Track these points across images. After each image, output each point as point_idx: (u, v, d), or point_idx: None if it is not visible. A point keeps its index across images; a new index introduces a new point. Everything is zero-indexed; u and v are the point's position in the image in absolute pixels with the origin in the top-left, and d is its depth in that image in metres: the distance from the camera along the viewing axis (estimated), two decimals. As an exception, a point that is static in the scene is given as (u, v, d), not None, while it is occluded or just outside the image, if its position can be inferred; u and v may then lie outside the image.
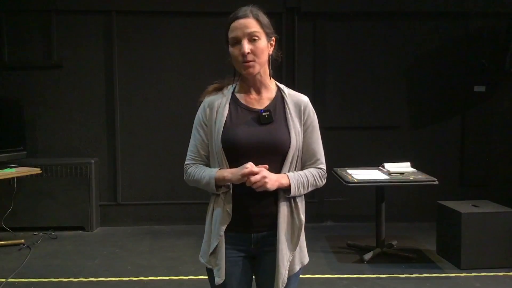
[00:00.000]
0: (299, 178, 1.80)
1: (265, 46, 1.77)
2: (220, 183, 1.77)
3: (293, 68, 5.48)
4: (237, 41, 1.74)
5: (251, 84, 1.83)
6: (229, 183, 1.76)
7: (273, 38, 1.82)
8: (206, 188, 1.81)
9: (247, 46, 1.73)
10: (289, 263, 1.80)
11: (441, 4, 5.45)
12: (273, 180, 1.72)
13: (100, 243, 4.86)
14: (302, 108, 1.85)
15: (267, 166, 1.72)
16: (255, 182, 1.68)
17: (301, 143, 1.83)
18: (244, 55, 1.73)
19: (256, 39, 1.74)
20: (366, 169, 4.53)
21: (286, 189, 1.78)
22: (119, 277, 3.92)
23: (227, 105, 1.81)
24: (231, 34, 1.75)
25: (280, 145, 1.77)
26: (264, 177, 1.69)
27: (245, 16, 1.75)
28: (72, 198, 5.21)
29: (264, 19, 1.78)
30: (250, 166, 1.69)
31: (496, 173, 5.60)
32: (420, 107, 5.59)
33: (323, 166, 1.89)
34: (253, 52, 1.74)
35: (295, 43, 5.46)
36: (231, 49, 1.77)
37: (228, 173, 1.74)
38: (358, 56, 5.53)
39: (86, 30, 5.40)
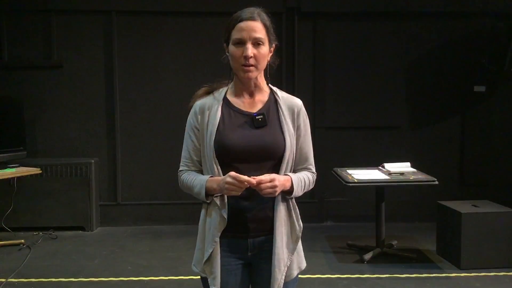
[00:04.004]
0: (299, 181, 1.79)
1: (267, 52, 1.75)
2: (210, 193, 1.74)
3: (293, 68, 5.48)
4: (241, 42, 1.71)
5: (245, 87, 1.80)
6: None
7: (274, 44, 1.80)
8: (197, 197, 1.78)
9: (251, 50, 1.70)
10: (286, 268, 1.77)
11: (441, 4, 5.45)
12: (281, 186, 1.69)
13: (100, 243, 4.86)
14: (295, 111, 1.82)
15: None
16: (265, 189, 1.66)
17: (294, 146, 1.80)
18: (246, 58, 1.70)
19: (260, 44, 1.72)
20: (366, 169, 4.53)
21: (287, 191, 1.76)
22: (119, 277, 3.92)
23: (220, 109, 1.77)
24: (236, 35, 1.72)
25: (275, 148, 1.74)
26: (275, 186, 1.66)
27: (252, 19, 1.72)
28: (72, 198, 5.20)
29: (270, 24, 1.77)
30: (231, 178, 1.65)
31: (496, 173, 5.60)
32: (420, 107, 5.59)
33: (314, 170, 1.90)
34: (255, 57, 1.71)
35: (295, 43, 5.46)
36: (233, 48, 1.73)
37: (216, 185, 1.71)
38: (358, 56, 5.53)
39: (86, 30, 5.40)
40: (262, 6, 1.81)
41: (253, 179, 1.64)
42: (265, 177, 1.66)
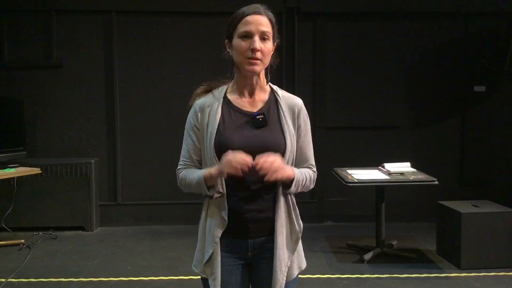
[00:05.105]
0: (301, 174, 1.77)
1: (271, 48, 1.75)
2: (209, 182, 1.71)
3: (293, 68, 5.48)
4: (249, 36, 1.69)
5: (247, 84, 1.78)
6: (220, 189, 1.71)
7: (276, 43, 1.79)
8: (197, 190, 1.75)
9: (258, 43, 1.69)
10: (287, 269, 1.76)
11: (441, 4, 5.45)
12: (283, 167, 1.65)
13: (100, 243, 4.86)
14: (296, 111, 1.81)
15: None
16: (265, 168, 1.60)
17: (295, 146, 1.79)
18: (254, 50, 1.68)
19: (266, 38, 1.71)
20: (366, 169, 4.53)
21: (286, 184, 1.73)
22: (119, 277, 3.92)
23: (220, 108, 1.75)
24: (243, 27, 1.70)
25: (275, 149, 1.72)
26: (276, 161, 1.61)
27: (259, 13, 1.71)
28: (72, 198, 5.20)
29: (274, 21, 1.76)
30: (231, 154, 1.62)
31: (496, 173, 5.60)
32: (420, 107, 5.59)
33: (315, 170, 1.88)
34: (261, 51, 1.70)
35: (295, 43, 5.46)
36: (239, 41, 1.70)
37: (215, 169, 1.68)
38: (358, 56, 5.53)
39: (86, 30, 5.40)
40: (259, 4, 1.79)
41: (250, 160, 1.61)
42: (264, 156, 1.63)
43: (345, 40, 5.54)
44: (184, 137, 1.84)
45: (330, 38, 5.52)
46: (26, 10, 5.35)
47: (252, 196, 1.72)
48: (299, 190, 1.79)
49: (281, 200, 1.76)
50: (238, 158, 1.61)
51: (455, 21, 5.52)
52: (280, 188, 1.75)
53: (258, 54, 1.69)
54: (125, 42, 5.42)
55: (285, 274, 1.76)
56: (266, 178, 1.63)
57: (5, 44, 5.32)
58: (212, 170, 1.69)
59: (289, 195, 1.80)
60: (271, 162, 1.62)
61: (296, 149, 1.81)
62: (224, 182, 1.72)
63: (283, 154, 1.73)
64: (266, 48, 1.71)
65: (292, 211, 1.80)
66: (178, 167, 1.85)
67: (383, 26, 5.52)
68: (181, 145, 1.86)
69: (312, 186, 1.87)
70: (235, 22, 1.73)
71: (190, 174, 1.78)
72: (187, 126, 1.83)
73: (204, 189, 1.73)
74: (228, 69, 1.85)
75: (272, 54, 1.79)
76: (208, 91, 1.84)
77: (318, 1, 5.44)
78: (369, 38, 5.53)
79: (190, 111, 1.83)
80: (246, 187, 1.72)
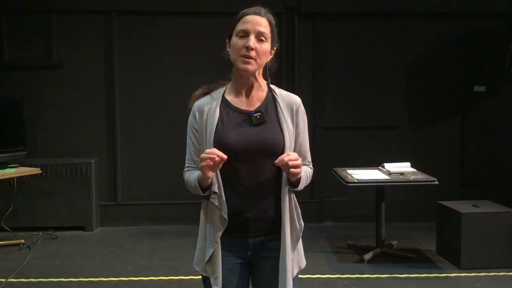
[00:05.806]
0: (304, 173, 1.79)
1: (268, 50, 1.75)
2: (202, 183, 1.72)
3: (293, 68, 5.48)
4: (245, 34, 1.71)
5: (244, 84, 1.79)
6: (216, 189, 1.72)
7: (275, 48, 1.80)
8: (197, 192, 1.77)
9: (253, 42, 1.70)
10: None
11: (441, 4, 5.45)
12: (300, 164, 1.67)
13: (100, 243, 4.86)
14: (294, 109, 1.82)
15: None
16: (291, 162, 1.63)
17: (293, 143, 1.79)
18: (248, 48, 1.69)
19: (263, 39, 1.72)
20: (366, 169, 4.53)
21: (293, 183, 1.75)
22: (119, 277, 3.92)
23: (218, 108, 1.77)
24: (241, 26, 1.72)
25: (274, 145, 1.73)
26: (297, 158, 1.64)
27: (259, 14, 1.74)
28: (72, 198, 5.21)
29: (275, 25, 1.78)
30: (205, 152, 1.63)
31: (496, 173, 5.60)
32: (420, 107, 5.59)
33: (312, 166, 1.91)
34: (256, 50, 1.71)
35: (295, 43, 5.46)
36: (236, 39, 1.73)
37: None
38: (358, 56, 5.53)
39: (86, 30, 5.40)
40: (262, 6, 1.81)
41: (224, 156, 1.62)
42: (287, 154, 1.66)
43: (345, 40, 5.54)
44: (187, 139, 1.86)
45: (330, 38, 5.52)
46: (26, 10, 5.35)
47: (253, 195, 1.72)
48: (301, 188, 1.81)
49: (286, 200, 1.76)
50: (205, 153, 1.62)
51: (455, 21, 5.52)
52: (286, 188, 1.75)
53: (253, 53, 1.70)
54: (125, 42, 5.42)
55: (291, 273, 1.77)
56: (291, 176, 1.67)
57: (5, 44, 5.32)
58: (201, 173, 1.70)
59: (292, 194, 1.80)
60: (294, 158, 1.64)
61: (296, 147, 1.81)
62: (220, 182, 1.73)
63: (282, 150, 1.73)
64: (262, 48, 1.72)
65: (294, 210, 1.81)
66: (184, 170, 1.87)
67: (383, 26, 5.52)
68: (181, 145, 1.87)
69: (308, 183, 1.89)
70: (235, 22, 1.76)
71: (190, 176, 1.80)
72: (188, 128, 1.85)
73: (200, 193, 1.75)
74: (228, 65, 1.85)
75: (271, 58, 1.81)
76: (206, 93, 1.86)
77: (318, 1, 5.44)
78: (369, 38, 5.53)
79: (190, 113, 1.84)
80: (246, 186, 1.72)
